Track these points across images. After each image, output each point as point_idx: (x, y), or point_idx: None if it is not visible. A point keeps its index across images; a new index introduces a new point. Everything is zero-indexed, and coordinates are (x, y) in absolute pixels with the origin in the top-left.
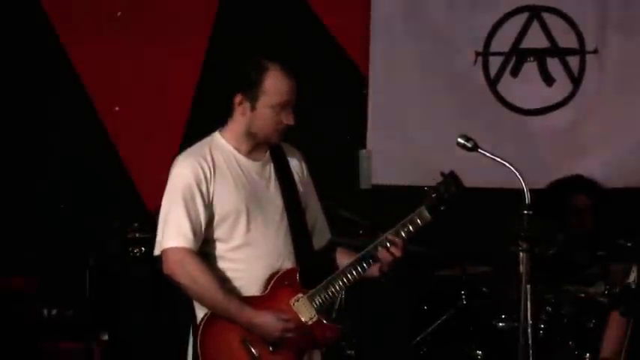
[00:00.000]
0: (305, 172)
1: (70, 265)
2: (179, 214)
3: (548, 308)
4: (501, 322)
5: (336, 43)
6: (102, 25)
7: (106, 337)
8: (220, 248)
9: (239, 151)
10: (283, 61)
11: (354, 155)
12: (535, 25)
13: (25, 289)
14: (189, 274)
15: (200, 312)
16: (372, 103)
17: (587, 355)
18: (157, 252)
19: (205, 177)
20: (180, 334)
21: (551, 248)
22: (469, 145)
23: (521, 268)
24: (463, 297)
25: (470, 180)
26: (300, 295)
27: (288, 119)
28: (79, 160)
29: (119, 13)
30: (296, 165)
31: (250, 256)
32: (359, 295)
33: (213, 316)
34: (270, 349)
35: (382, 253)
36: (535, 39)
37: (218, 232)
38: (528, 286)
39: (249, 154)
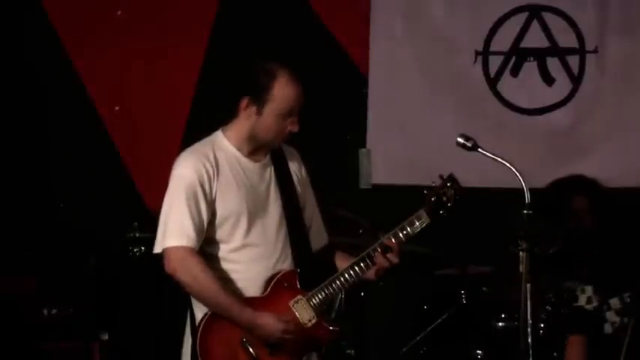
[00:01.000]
0: (303, 172)
1: (70, 264)
2: (181, 214)
3: (548, 308)
4: (501, 322)
5: (336, 42)
6: (102, 24)
7: (106, 337)
8: (220, 249)
9: (241, 152)
10: (289, 64)
11: (354, 155)
12: (535, 25)
13: (25, 288)
14: (190, 273)
15: (199, 312)
16: (372, 102)
17: None
18: (157, 250)
19: (208, 177)
20: (181, 334)
21: (551, 248)
22: (469, 144)
23: (521, 268)
24: (463, 297)
25: (469, 179)
26: (299, 296)
27: (292, 126)
28: (79, 160)
29: (119, 12)
30: (295, 166)
31: (250, 258)
32: (359, 295)
33: (213, 317)
34: (269, 350)
35: (378, 258)
36: (535, 38)
37: (219, 233)
38: (528, 286)
39: (251, 155)
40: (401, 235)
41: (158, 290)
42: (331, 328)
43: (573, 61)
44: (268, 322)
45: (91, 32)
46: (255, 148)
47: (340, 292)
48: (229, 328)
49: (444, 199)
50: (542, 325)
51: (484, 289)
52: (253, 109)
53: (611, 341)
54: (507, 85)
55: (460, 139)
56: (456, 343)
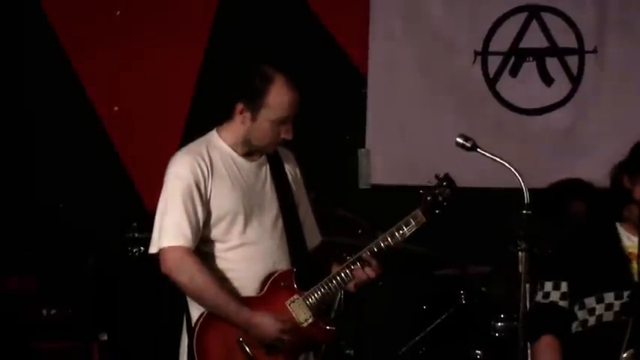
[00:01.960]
0: (297, 172)
1: (69, 264)
2: (177, 213)
3: None
4: (500, 322)
5: (335, 42)
6: (101, 25)
7: (105, 337)
8: (217, 248)
9: (236, 151)
10: (288, 65)
11: (353, 155)
12: (534, 25)
13: (24, 288)
14: (187, 273)
15: (196, 312)
16: (371, 102)
17: None
18: (153, 250)
19: (203, 176)
20: (180, 333)
21: (550, 248)
22: (468, 144)
23: (520, 268)
24: (462, 297)
25: (469, 179)
26: (296, 296)
27: (287, 134)
28: (78, 160)
29: (118, 13)
30: (289, 165)
31: (246, 257)
32: (358, 295)
33: (209, 317)
34: (266, 350)
35: (357, 271)
36: (534, 39)
37: (214, 232)
38: (527, 286)
39: (246, 155)
40: (397, 234)
41: (157, 290)
42: (328, 327)
43: (572, 61)
44: (264, 321)
45: (90, 33)
46: (249, 151)
47: (338, 292)
48: (225, 327)
49: (440, 198)
50: None
51: (483, 288)
52: (248, 114)
53: (577, 340)
54: (506, 85)
55: (459, 140)
56: (456, 343)
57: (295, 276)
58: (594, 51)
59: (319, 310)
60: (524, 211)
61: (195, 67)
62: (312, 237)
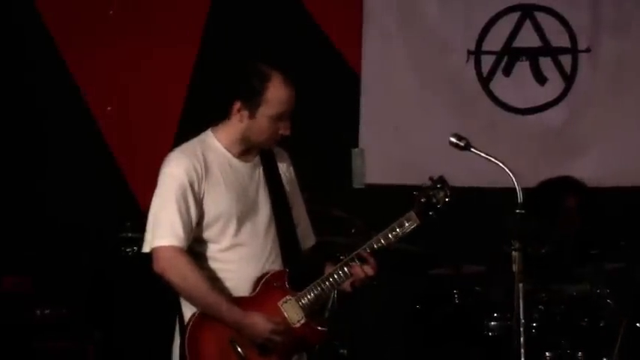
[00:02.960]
0: (292, 173)
1: (63, 264)
2: (171, 213)
3: (541, 307)
4: (494, 322)
5: (328, 41)
6: (95, 24)
7: (100, 337)
8: (210, 248)
9: (230, 152)
10: (282, 64)
11: (347, 154)
12: (527, 24)
13: (18, 288)
14: (180, 272)
15: (188, 312)
16: (365, 101)
17: (580, 353)
18: (146, 249)
19: (198, 177)
20: (173, 333)
21: (543, 247)
22: (461, 144)
23: (514, 267)
24: (456, 296)
25: (462, 179)
26: (288, 296)
27: (285, 129)
28: (72, 160)
29: (111, 12)
30: (283, 166)
31: (239, 258)
32: (352, 295)
33: (201, 317)
34: (258, 350)
35: (355, 269)
36: (527, 38)
37: (208, 233)
38: (521, 285)
39: (241, 156)
40: (390, 236)
41: (152, 290)
42: (320, 328)
43: (566, 60)
44: (257, 321)
45: (84, 32)
46: (246, 149)
47: (332, 292)
48: (218, 327)
49: (434, 200)
50: (534, 325)
51: (477, 288)
52: (245, 112)
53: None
54: (500, 84)
55: (453, 139)
56: (449, 342)
57: (288, 277)
58: (587, 50)
59: (312, 310)
60: (518, 211)
61: (189, 67)
62: (307, 238)
